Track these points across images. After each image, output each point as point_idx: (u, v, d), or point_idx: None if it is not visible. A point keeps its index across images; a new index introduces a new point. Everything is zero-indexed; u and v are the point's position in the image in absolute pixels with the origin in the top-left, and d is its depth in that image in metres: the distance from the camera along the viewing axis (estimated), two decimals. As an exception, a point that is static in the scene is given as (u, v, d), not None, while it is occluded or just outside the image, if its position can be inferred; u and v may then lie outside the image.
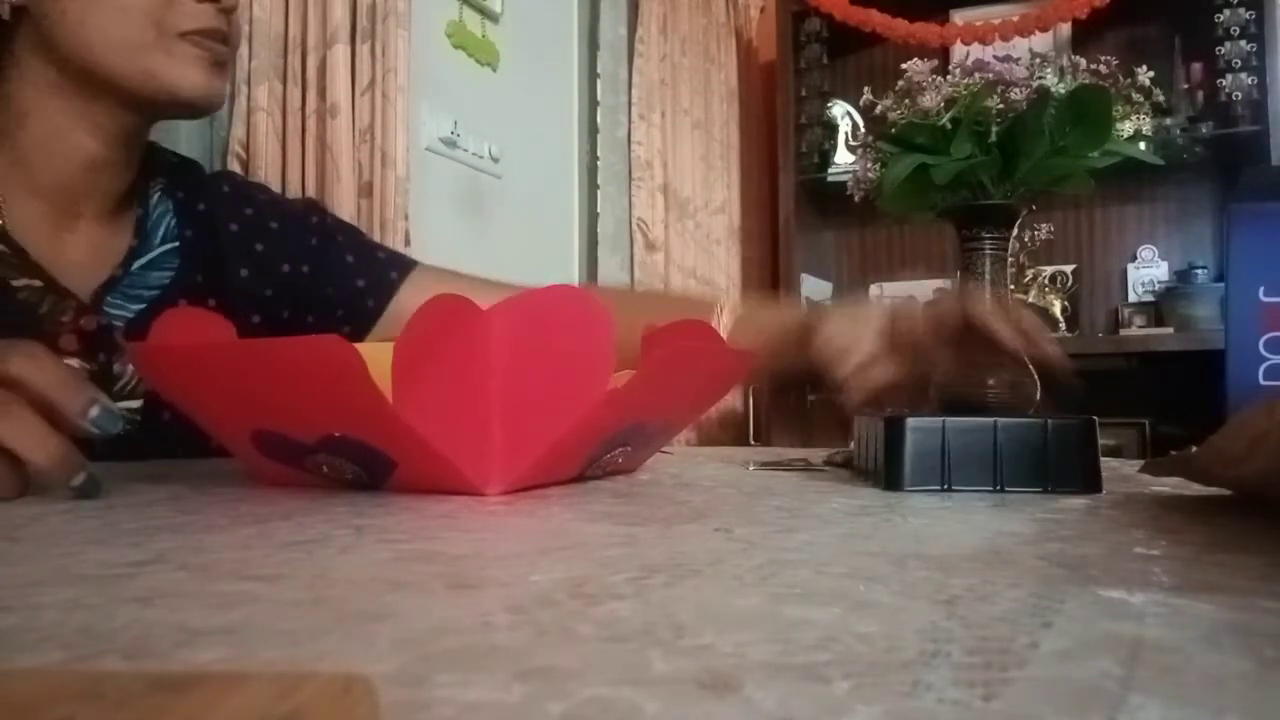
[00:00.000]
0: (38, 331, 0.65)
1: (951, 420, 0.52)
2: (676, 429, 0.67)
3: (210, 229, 0.79)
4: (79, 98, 0.68)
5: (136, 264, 0.74)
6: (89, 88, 0.67)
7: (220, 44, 0.69)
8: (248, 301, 0.79)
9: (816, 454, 0.74)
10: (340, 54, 1.36)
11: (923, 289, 2.58)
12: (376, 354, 0.41)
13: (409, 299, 0.86)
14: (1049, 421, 0.52)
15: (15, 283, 0.67)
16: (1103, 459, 0.52)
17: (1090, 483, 0.51)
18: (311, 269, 0.84)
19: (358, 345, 0.40)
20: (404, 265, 0.89)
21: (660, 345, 0.57)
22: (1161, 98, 0.60)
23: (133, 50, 0.66)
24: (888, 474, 0.52)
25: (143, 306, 0.72)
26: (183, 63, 0.67)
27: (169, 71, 0.67)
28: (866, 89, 0.65)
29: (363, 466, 0.47)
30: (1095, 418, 0.52)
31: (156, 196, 0.78)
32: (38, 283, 0.67)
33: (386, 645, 0.19)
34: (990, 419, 0.52)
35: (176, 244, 0.77)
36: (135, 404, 0.70)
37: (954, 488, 0.51)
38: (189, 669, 0.18)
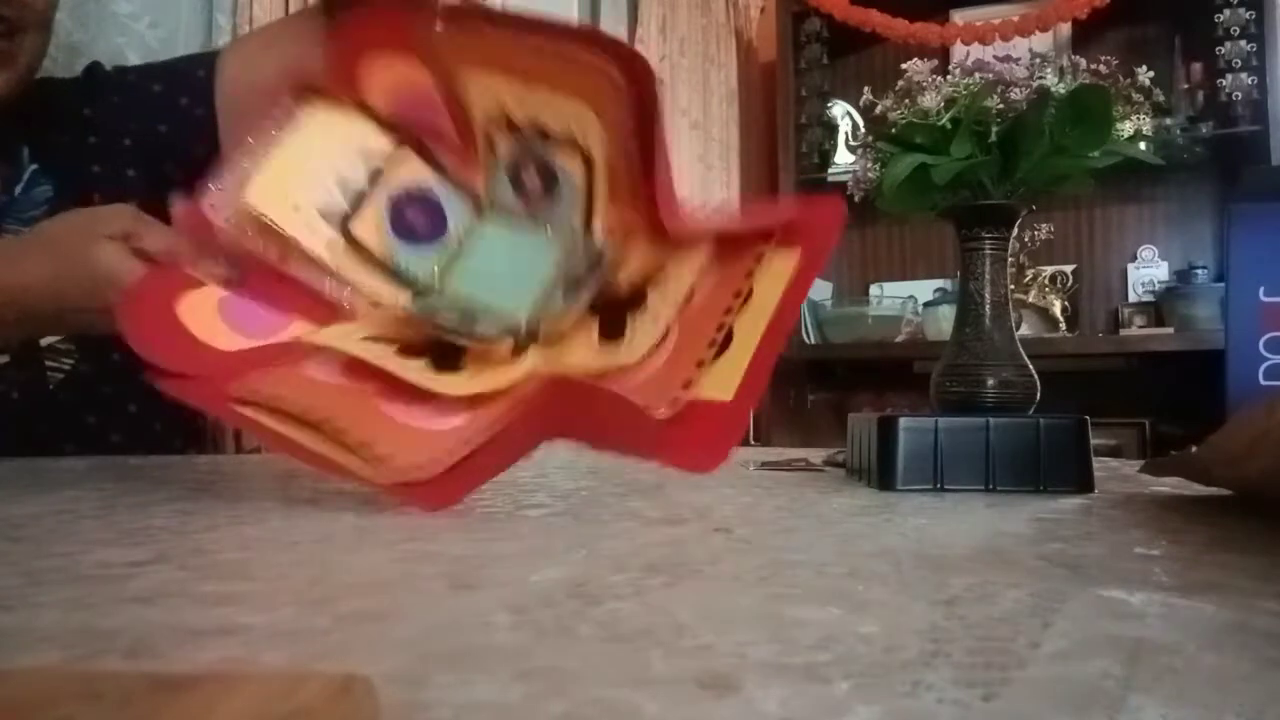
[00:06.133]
0: None
1: (944, 420, 0.52)
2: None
3: (49, 145, 0.80)
4: None
5: (17, 189, 0.77)
6: None
7: None
8: (119, 192, 0.78)
9: (816, 454, 0.74)
10: (340, 54, 1.36)
11: (922, 289, 2.59)
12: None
13: (230, 81, 0.83)
14: (1041, 421, 0.52)
15: None
16: (1103, 459, 0.52)
17: (1083, 482, 0.51)
18: (138, 125, 0.83)
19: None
20: (207, 59, 0.87)
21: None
22: (1161, 98, 0.60)
23: None
24: (880, 474, 0.52)
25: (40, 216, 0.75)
26: None
27: None
28: (866, 89, 0.65)
29: None
30: (1087, 417, 0.52)
31: (8, 133, 0.80)
32: None
33: (386, 645, 0.19)
34: (983, 418, 0.52)
35: (37, 166, 0.79)
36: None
37: (947, 487, 0.51)
38: (189, 669, 0.18)
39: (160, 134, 0.83)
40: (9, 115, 0.80)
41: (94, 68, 0.89)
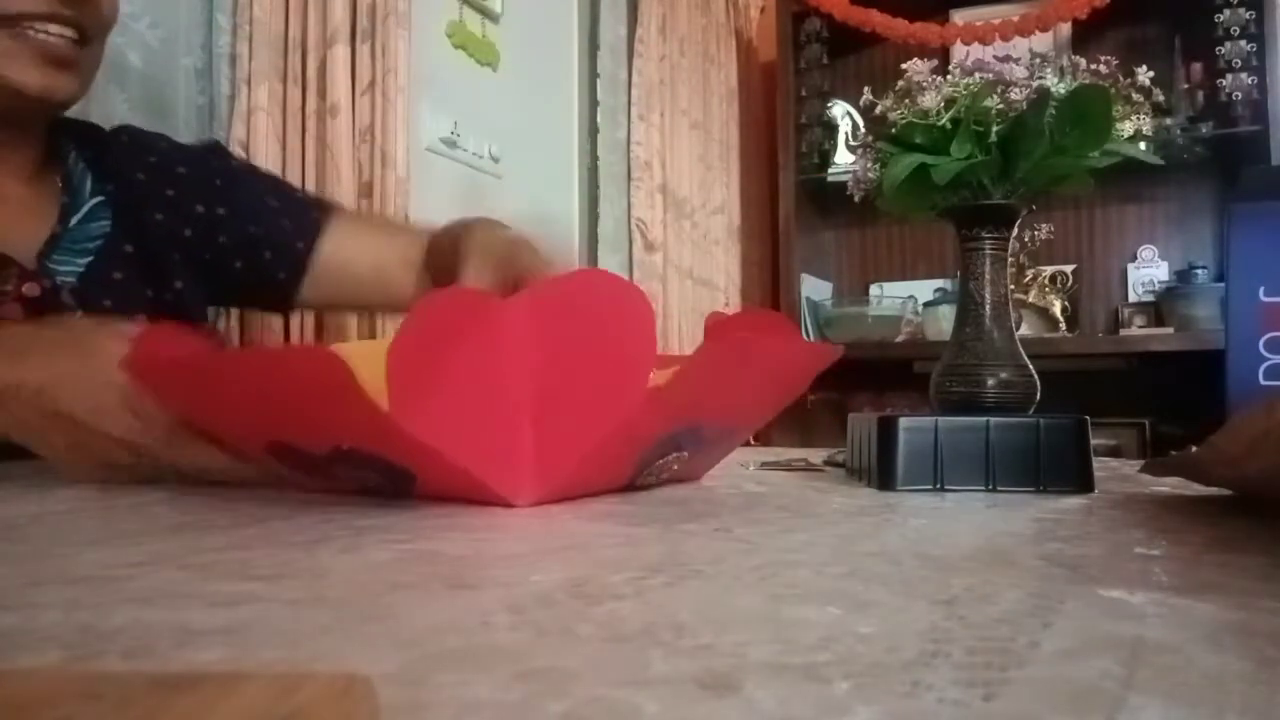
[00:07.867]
0: None
1: (944, 420, 0.52)
2: (744, 431, 0.61)
3: (123, 182, 0.80)
4: None
5: (74, 219, 0.75)
6: None
7: (60, 34, 0.67)
8: (169, 244, 0.80)
9: (816, 454, 0.74)
10: (340, 54, 1.36)
11: (922, 289, 2.59)
12: (374, 353, 0.39)
13: (337, 240, 0.87)
14: (1041, 421, 0.52)
15: None
16: (1103, 459, 0.52)
17: (1083, 482, 0.51)
18: (228, 210, 0.84)
19: (354, 345, 0.39)
20: (325, 206, 0.90)
21: (722, 336, 0.51)
22: (1161, 98, 0.60)
23: None
24: (881, 474, 0.52)
25: (90, 259, 0.74)
26: (10, 57, 0.66)
27: None
28: (866, 89, 0.65)
29: (383, 476, 0.44)
30: (1087, 417, 0.52)
31: (72, 157, 0.79)
32: None
33: (386, 645, 0.19)
34: (983, 418, 0.52)
35: (103, 198, 0.78)
36: None
37: (947, 487, 0.51)
38: (189, 669, 0.18)
39: (248, 232, 0.85)
40: (79, 144, 0.79)
41: (216, 146, 0.90)
